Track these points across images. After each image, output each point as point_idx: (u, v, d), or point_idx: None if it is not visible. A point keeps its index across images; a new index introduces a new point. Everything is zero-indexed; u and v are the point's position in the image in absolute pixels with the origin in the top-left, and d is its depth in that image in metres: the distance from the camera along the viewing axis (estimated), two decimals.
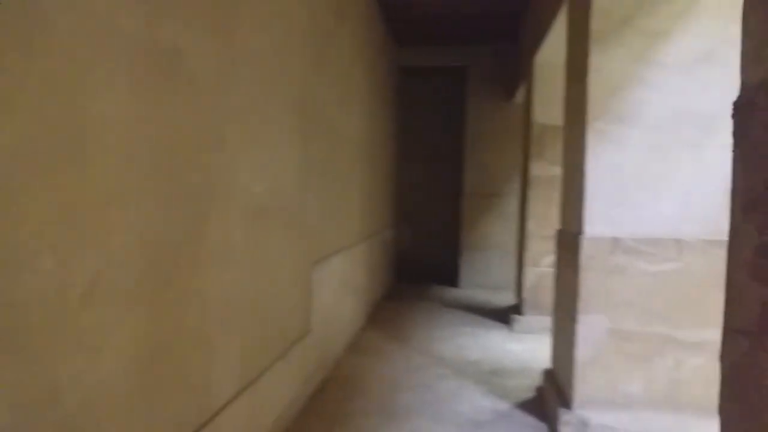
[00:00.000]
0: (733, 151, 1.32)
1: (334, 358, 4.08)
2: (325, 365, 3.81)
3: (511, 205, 7.51)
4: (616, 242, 2.85)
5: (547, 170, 5.23)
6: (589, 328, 2.86)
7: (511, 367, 4.04)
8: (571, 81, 3.33)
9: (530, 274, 5.21)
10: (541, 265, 5.19)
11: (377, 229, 6.26)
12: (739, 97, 1.31)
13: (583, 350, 2.87)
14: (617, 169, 2.87)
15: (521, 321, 5.12)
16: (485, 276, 7.55)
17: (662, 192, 2.85)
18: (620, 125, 2.87)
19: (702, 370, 2.78)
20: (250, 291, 2.44)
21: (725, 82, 2.79)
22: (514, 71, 7.37)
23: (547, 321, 5.05)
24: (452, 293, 7.21)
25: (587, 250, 2.86)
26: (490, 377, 3.82)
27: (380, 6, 6.02)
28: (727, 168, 2.86)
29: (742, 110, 1.30)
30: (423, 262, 8.63)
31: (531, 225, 5.21)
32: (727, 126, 2.82)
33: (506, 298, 6.68)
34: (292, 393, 3.06)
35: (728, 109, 2.90)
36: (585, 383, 2.86)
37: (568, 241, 3.13)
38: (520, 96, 7.13)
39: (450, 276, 8.02)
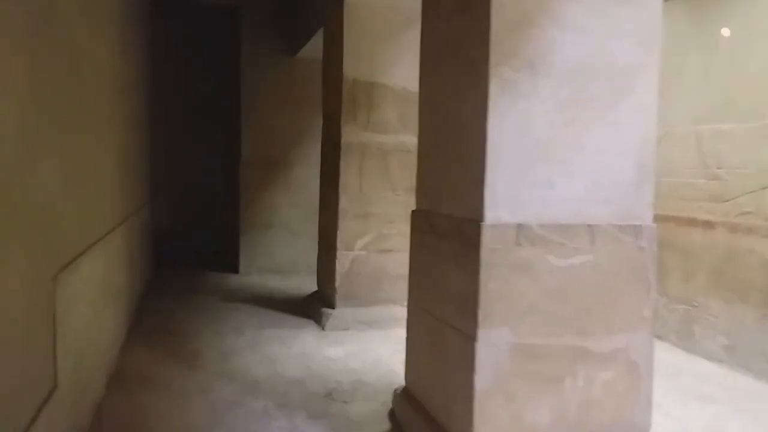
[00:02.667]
0: None
1: (93, 405, 2.69)
2: (82, 424, 2.43)
3: (300, 175, 6.56)
4: (521, 230, 2.15)
5: (360, 136, 4.41)
6: (490, 346, 2.12)
7: (344, 385, 3.17)
8: (443, 13, 2.51)
9: (343, 260, 4.38)
10: (355, 249, 4.40)
11: (136, 207, 4.74)
12: None
13: (483, 376, 2.12)
14: (525, 133, 2.16)
15: (334, 315, 4.28)
16: (269, 258, 6.49)
17: (572, 164, 2.22)
18: (530, 74, 2.14)
19: (613, 385, 2.27)
20: None
21: (641, 28, 2.27)
22: (295, 22, 6.36)
23: (363, 313, 4.32)
24: (233, 281, 6.02)
25: (489, 242, 2.11)
26: (325, 405, 2.89)
27: None
28: (639, 135, 2.38)
29: None
30: (190, 244, 7.19)
31: (344, 201, 4.36)
32: (640, 86, 2.32)
33: (299, 285, 5.74)
34: None
35: (645, 61, 2.41)
36: (485, 420, 2.13)
37: (452, 230, 2.34)
38: (310, 51, 6.16)
39: (227, 260, 6.76)
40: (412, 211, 2.79)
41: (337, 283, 4.36)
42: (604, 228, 2.24)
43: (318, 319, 4.38)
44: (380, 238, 4.41)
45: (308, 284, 5.53)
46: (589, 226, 2.22)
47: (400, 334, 4.03)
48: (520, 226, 2.15)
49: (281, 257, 6.50)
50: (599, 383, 2.26)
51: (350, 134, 4.39)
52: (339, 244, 4.36)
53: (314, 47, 5.93)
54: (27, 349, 1.73)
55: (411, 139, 4.40)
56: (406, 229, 4.43)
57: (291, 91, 6.53)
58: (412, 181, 4.42)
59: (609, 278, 2.26)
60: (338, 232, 4.36)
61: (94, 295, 2.74)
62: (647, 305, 2.32)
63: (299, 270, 6.32)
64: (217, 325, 4.30)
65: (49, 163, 1.98)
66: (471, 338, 2.13)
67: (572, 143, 2.21)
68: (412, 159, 4.42)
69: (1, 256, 1.51)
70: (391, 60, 4.39)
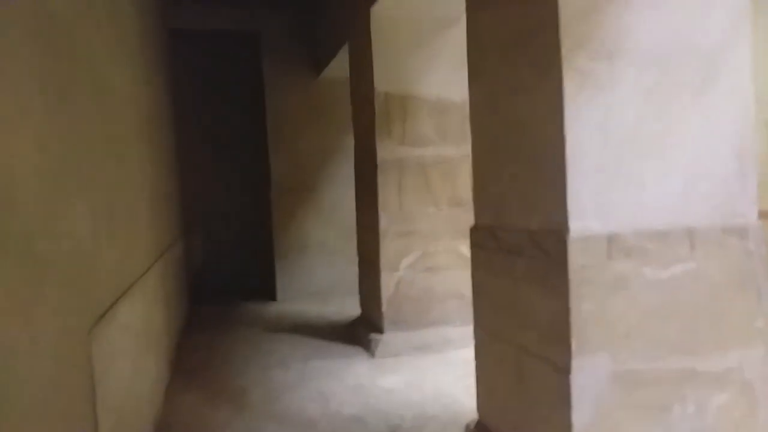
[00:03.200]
0: None
1: None
2: None
3: (330, 196, 6.39)
4: (612, 241, 1.88)
5: (397, 151, 4.18)
6: (587, 377, 1.84)
7: (408, 420, 2.90)
8: (496, 5, 2.27)
9: (388, 281, 4.13)
10: (400, 269, 4.14)
11: (170, 242, 4.56)
12: None
13: (581, 412, 1.84)
14: (607, 129, 1.89)
15: (384, 341, 4.02)
16: (307, 282, 6.29)
17: (665, 161, 1.95)
18: (608, 62, 1.88)
19: (728, 410, 1.97)
20: None
21: (729, 3, 2.00)
22: (317, 43, 6.21)
23: (414, 337, 4.06)
24: (272, 309, 5.81)
25: (577, 257, 1.84)
26: None
27: None
28: (737, 121, 2.08)
29: None
30: (225, 276, 7.02)
31: (385, 220, 4.11)
32: (733, 64, 2.03)
33: (339, 308, 5.52)
34: None
35: (735, 36, 2.08)
36: None
37: (527, 245, 2.07)
38: (333, 71, 6.00)
39: (264, 288, 6.58)
40: (472, 226, 2.53)
41: (384, 307, 4.10)
42: (704, 231, 1.95)
43: (367, 346, 4.12)
44: (425, 256, 4.16)
45: (349, 307, 5.31)
46: (688, 229, 1.94)
47: (456, 357, 3.77)
48: (611, 236, 1.87)
49: (319, 280, 6.30)
50: (712, 409, 1.96)
51: (386, 150, 4.16)
52: (382, 266, 4.11)
53: (336, 67, 5.80)
54: (65, 423, 1.51)
55: (451, 150, 4.18)
56: (452, 245, 4.20)
57: (316, 113, 6.40)
58: (455, 194, 4.21)
59: (714, 288, 1.97)
60: (381, 253, 4.11)
61: (133, 343, 2.53)
62: (760, 315, 2.02)
63: (337, 292, 6.12)
64: (261, 359, 4.07)
65: (76, 206, 1.78)
66: (563, 369, 1.85)
67: (663, 137, 1.94)
68: (454, 171, 4.21)
69: (28, 315, 1.29)
70: (423, 69, 4.17)
